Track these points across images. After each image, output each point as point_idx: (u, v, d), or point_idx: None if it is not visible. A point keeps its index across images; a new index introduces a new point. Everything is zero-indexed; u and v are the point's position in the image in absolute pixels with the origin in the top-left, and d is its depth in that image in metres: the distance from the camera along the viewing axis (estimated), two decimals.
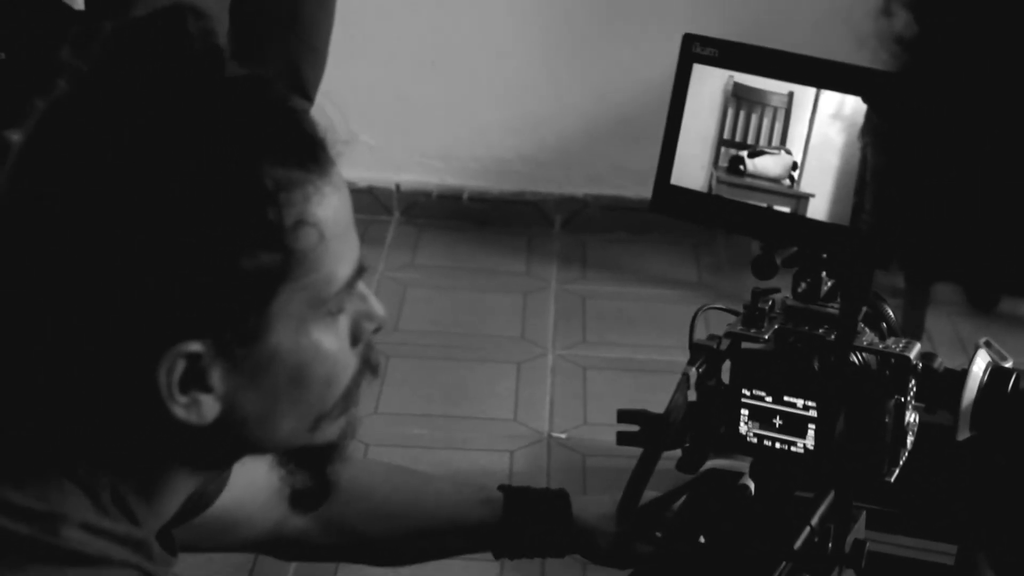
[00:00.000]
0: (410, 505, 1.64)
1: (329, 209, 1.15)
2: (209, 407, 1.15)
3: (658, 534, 1.58)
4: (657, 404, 2.84)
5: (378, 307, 1.23)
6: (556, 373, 3.43)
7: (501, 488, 1.65)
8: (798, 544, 1.47)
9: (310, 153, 1.15)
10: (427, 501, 1.65)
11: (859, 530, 1.55)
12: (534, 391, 3.36)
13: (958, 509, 1.98)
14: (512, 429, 3.22)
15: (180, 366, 1.12)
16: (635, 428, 2.85)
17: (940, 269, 1.18)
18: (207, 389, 1.14)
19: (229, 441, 1.20)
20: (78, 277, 1.11)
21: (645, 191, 4.46)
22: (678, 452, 1.55)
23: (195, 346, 1.12)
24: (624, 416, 3.00)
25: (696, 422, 1.53)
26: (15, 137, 2.86)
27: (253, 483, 1.54)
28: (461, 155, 4.01)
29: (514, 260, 3.94)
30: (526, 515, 1.63)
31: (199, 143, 1.11)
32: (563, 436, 3.18)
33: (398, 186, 4.06)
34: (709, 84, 1.43)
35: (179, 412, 1.14)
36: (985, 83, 1.01)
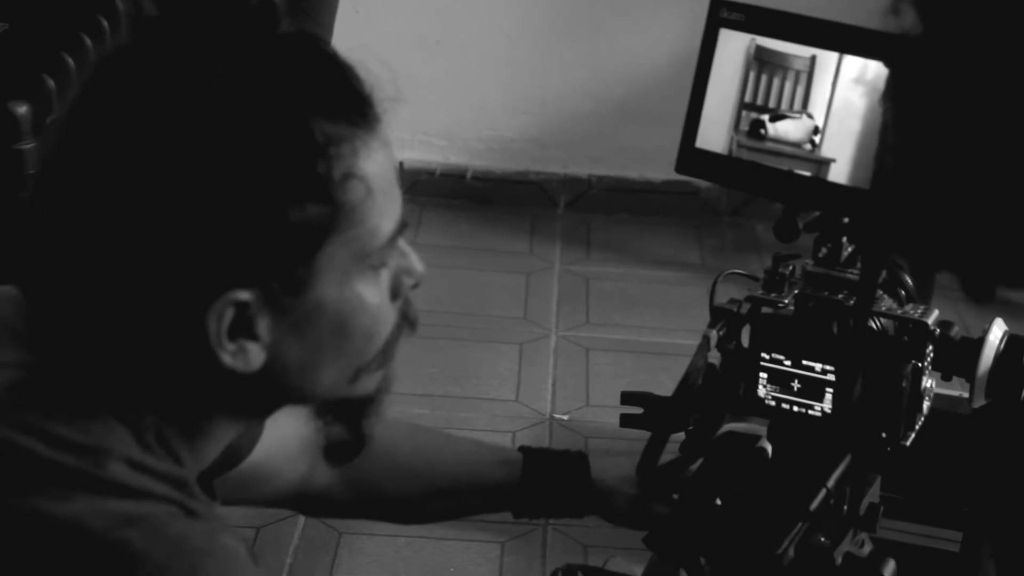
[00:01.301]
0: (432, 464, 1.68)
1: (376, 164, 1.20)
2: (255, 355, 1.20)
3: (675, 496, 1.62)
4: (660, 386, 2.88)
5: (418, 263, 1.28)
6: (559, 354, 3.46)
7: (521, 449, 1.70)
8: (814, 506, 1.51)
9: (358, 109, 1.20)
10: (448, 461, 1.70)
11: (874, 494, 1.59)
12: (537, 372, 3.39)
13: (963, 497, 2.02)
14: (514, 410, 3.25)
15: (229, 314, 1.17)
16: (639, 410, 2.89)
17: (940, 258, 1.22)
18: (254, 337, 1.19)
19: (272, 389, 1.25)
20: (134, 223, 1.15)
21: (649, 172, 4.49)
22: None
23: (244, 294, 1.17)
24: (628, 398, 3.04)
25: (701, 405, 1.57)
26: (21, 110, 2.87)
27: (282, 438, 1.59)
28: (465, 134, 4.03)
29: (517, 240, 3.97)
30: (545, 476, 1.68)
31: (252, 96, 1.16)
32: (565, 417, 3.22)
33: (401, 164, 4.06)
34: (732, 48, 1.47)
35: (226, 359, 1.19)
36: (997, 54, 1.05)
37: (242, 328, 1.19)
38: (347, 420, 1.34)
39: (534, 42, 4.00)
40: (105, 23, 3.08)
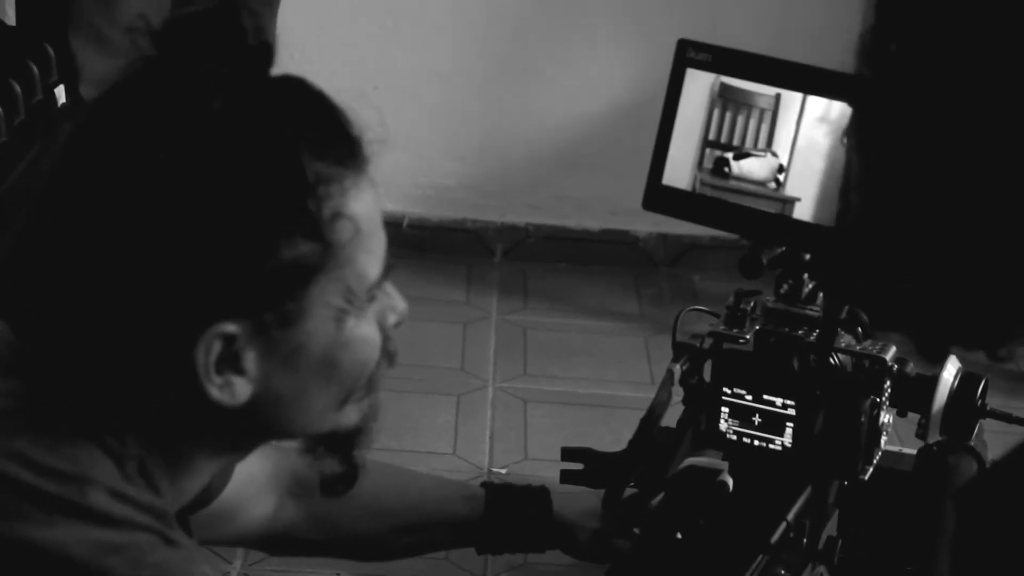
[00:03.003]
0: (396, 502, 1.74)
1: (364, 204, 1.27)
2: (242, 389, 1.25)
3: (636, 530, 1.68)
4: (599, 439, 2.94)
5: (401, 302, 1.35)
6: (496, 406, 3.47)
7: (483, 485, 1.76)
8: (774, 538, 1.58)
9: (348, 150, 1.26)
10: (412, 498, 1.76)
11: (832, 528, 1.67)
12: (474, 424, 3.39)
13: (906, 555, 2.09)
14: (452, 463, 3.27)
15: (217, 346, 1.23)
16: (579, 466, 2.95)
17: (893, 321, 1.30)
18: (240, 372, 1.25)
19: (257, 423, 1.30)
20: (125, 254, 1.21)
21: (587, 221, 4.52)
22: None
23: (231, 327, 1.22)
24: (568, 454, 3.09)
25: (644, 463, 1.64)
26: None
27: (249, 477, 1.65)
28: (401, 181, 4.06)
29: (454, 289, 3.99)
30: (507, 511, 1.74)
31: (246, 135, 1.22)
32: (503, 471, 3.24)
33: None
34: (697, 86, 1.55)
35: (213, 392, 1.24)
36: (960, 94, 1.13)
37: (229, 362, 1.24)
38: (339, 452, 1.39)
39: (472, 89, 4.04)
40: (35, 69, 3.12)
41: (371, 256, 1.28)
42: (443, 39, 4.03)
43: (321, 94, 1.27)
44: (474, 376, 3.59)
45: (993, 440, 2.46)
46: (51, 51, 3.16)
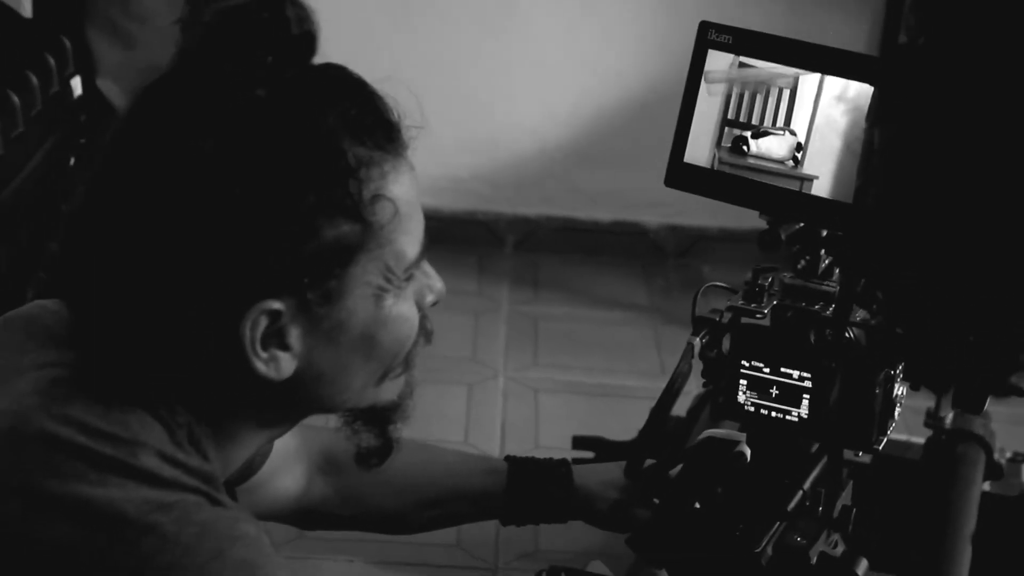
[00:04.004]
0: (421, 477, 1.81)
1: (402, 187, 1.34)
2: (286, 364, 1.33)
3: (655, 500, 1.75)
4: (609, 429, 2.99)
5: (438, 281, 1.43)
6: (508, 395, 3.53)
7: (506, 458, 1.83)
8: (791, 506, 1.65)
9: (388, 135, 1.34)
10: (437, 472, 1.83)
11: (847, 497, 1.73)
12: (485, 413, 3.45)
13: (911, 542, 2.15)
14: None
15: (263, 322, 1.31)
16: (590, 455, 3.00)
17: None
18: (285, 347, 1.33)
19: (300, 397, 1.38)
20: (177, 235, 1.28)
21: (597, 213, 4.59)
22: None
23: (277, 304, 1.30)
24: (579, 443, 3.15)
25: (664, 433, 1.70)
26: None
27: (284, 453, 1.72)
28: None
29: (466, 280, 4.04)
30: (529, 484, 1.80)
31: (290, 122, 1.29)
32: None
33: None
34: (716, 65, 1.61)
35: (259, 366, 1.32)
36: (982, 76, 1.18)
37: (274, 337, 1.32)
38: (376, 427, 1.48)
39: (484, 81, 4.09)
40: (52, 61, 3.17)
41: (409, 237, 1.35)
42: (455, 31, 4.07)
43: (361, 81, 1.35)
44: (485, 366, 3.65)
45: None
46: (67, 43, 3.22)
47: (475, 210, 4.22)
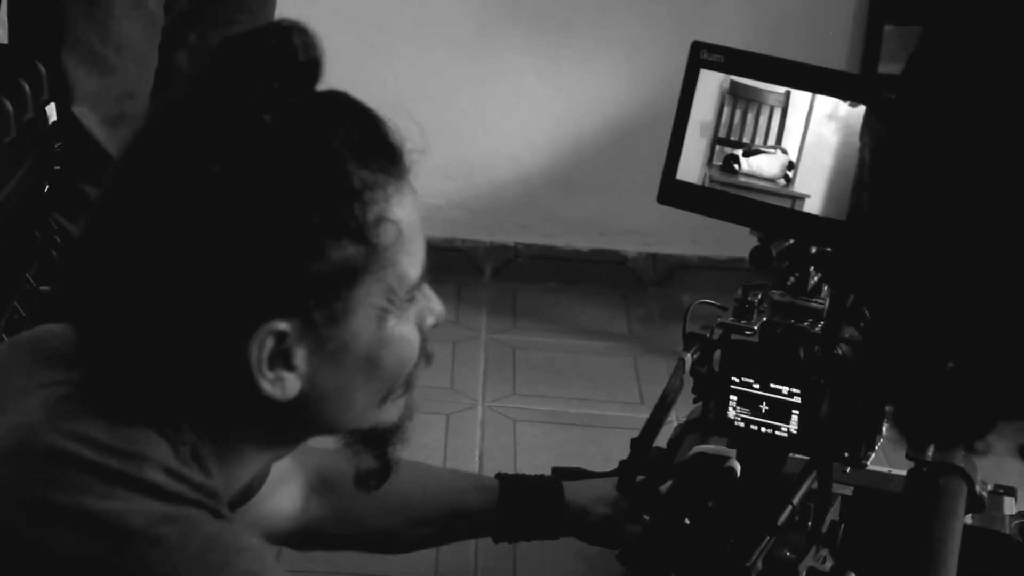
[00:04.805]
0: (414, 496, 1.85)
1: (405, 210, 1.39)
2: (292, 384, 1.37)
3: (646, 516, 1.79)
4: (589, 459, 3.01)
5: (438, 304, 1.47)
6: (486, 425, 3.52)
7: (497, 476, 1.86)
8: (780, 520, 1.69)
9: (391, 158, 1.39)
10: (429, 491, 1.87)
11: (834, 512, 1.77)
12: (463, 443, 3.42)
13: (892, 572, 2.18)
14: None
15: (269, 343, 1.34)
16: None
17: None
18: (291, 368, 1.37)
19: (304, 418, 1.42)
20: (185, 257, 1.32)
21: (576, 240, 4.57)
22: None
23: (283, 325, 1.34)
24: (559, 474, 3.17)
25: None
26: None
27: (281, 476, 1.75)
28: None
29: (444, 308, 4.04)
30: (521, 501, 1.84)
31: (296, 146, 1.33)
32: None
33: None
34: (708, 84, 1.65)
35: (266, 386, 1.36)
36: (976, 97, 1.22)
37: (280, 358, 1.36)
38: (375, 448, 1.52)
39: (462, 108, 4.09)
40: (27, 87, 3.18)
41: (411, 259, 1.40)
42: (434, 58, 4.09)
43: (364, 107, 1.39)
44: (464, 395, 3.63)
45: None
46: (42, 69, 3.23)
47: (453, 238, 4.22)
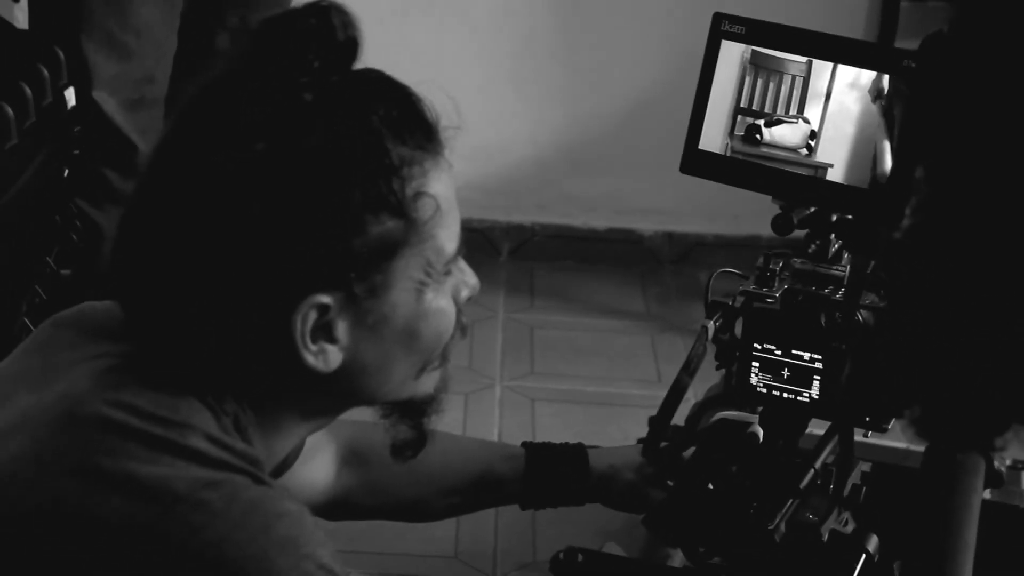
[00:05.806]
0: (442, 465, 1.90)
1: (442, 185, 1.43)
2: (334, 356, 1.42)
3: (670, 482, 1.82)
4: (608, 437, 3.04)
5: (473, 277, 1.53)
6: (504, 404, 3.56)
7: (523, 444, 1.91)
8: (803, 484, 1.73)
9: (427, 135, 1.43)
10: (457, 460, 1.91)
11: (856, 476, 1.81)
12: (482, 422, 3.47)
13: (897, 550, 2.21)
14: None
15: (312, 316, 1.39)
16: None
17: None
18: (333, 340, 1.42)
19: (345, 389, 1.47)
20: (232, 232, 1.37)
21: (593, 220, 4.60)
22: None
23: (326, 298, 1.39)
24: None
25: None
26: None
27: (314, 448, 1.80)
28: None
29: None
30: (547, 469, 1.89)
31: (336, 124, 1.38)
32: None
33: None
34: (730, 54, 1.69)
35: (308, 358, 1.41)
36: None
37: (323, 331, 1.41)
38: (411, 419, 1.57)
39: (477, 89, 4.13)
40: (45, 72, 3.21)
41: (448, 232, 1.44)
42: (451, 44, 4.12)
43: (401, 85, 1.44)
44: (482, 375, 3.67)
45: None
46: (61, 54, 3.26)
47: (470, 218, 4.20)
